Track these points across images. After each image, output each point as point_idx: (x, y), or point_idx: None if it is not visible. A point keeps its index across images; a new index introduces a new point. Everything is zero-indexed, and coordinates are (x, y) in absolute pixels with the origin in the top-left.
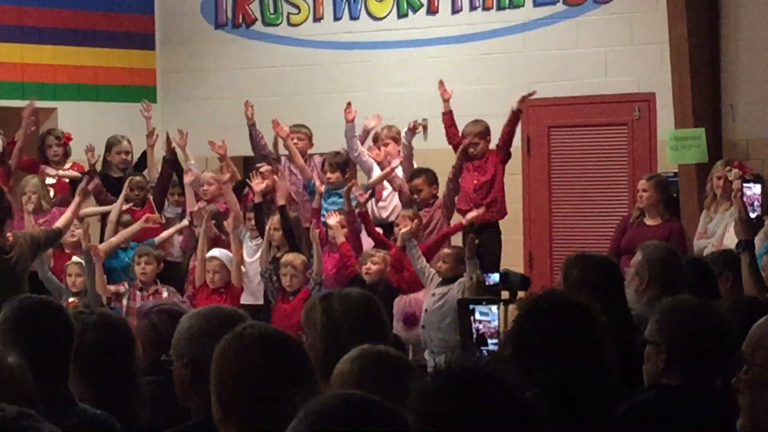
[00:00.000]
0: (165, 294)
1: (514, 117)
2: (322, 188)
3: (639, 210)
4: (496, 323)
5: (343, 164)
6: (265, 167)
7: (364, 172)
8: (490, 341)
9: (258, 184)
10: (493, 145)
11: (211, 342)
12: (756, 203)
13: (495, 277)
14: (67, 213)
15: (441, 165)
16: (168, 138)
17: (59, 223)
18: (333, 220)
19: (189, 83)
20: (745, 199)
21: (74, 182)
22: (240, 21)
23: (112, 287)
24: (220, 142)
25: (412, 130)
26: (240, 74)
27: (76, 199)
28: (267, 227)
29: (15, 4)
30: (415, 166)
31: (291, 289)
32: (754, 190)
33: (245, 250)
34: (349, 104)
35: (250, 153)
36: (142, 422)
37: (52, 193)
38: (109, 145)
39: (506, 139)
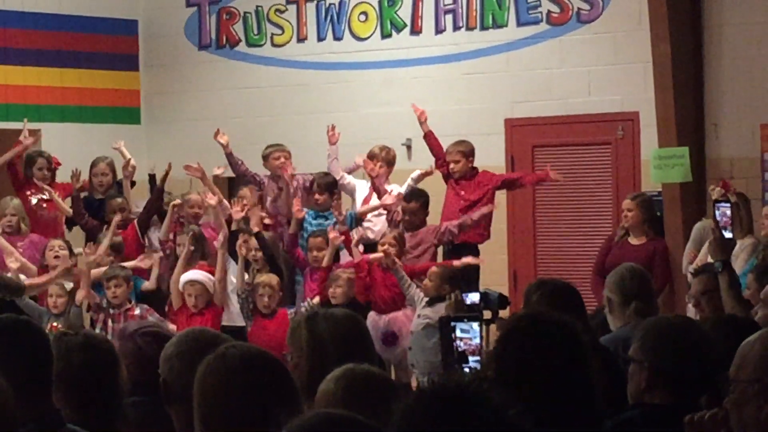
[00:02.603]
0: (138, 311)
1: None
2: (301, 214)
3: (624, 229)
4: (477, 340)
5: (331, 186)
6: (242, 192)
7: (347, 194)
8: (471, 358)
9: (237, 212)
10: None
11: (179, 364)
12: (726, 221)
13: (474, 297)
14: (41, 279)
15: (424, 185)
16: (168, 170)
17: (28, 282)
18: (339, 237)
19: (173, 104)
20: (720, 219)
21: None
22: (224, 42)
23: (96, 297)
24: (196, 164)
25: (425, 174)
26: (224, 95)
27: (57, 271)
28: (238, 248)
29: None
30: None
31: (267, 310)
32: (726, 210)
33: (231, 271)
34: (332, 127)
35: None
36: None
37: (45, 211)
38: (91, 167)
39: (511, 180)
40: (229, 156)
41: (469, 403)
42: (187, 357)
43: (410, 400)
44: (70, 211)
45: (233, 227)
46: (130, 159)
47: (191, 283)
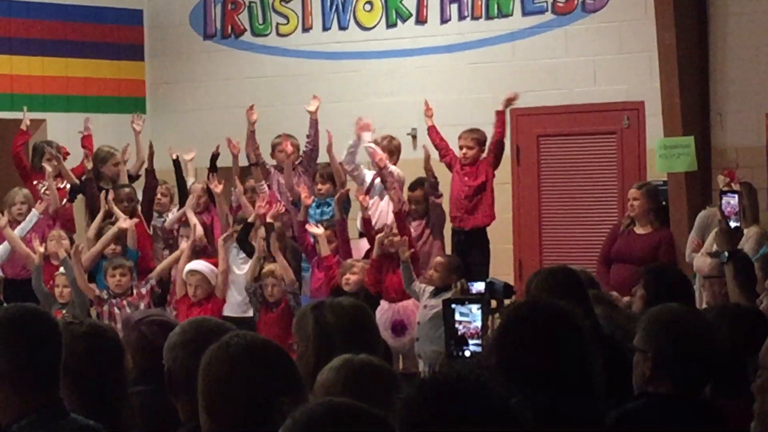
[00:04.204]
0: (135, 293)
1: (500, 119)
2: (309, 201)
3: (629, 218)
4: (477, 323)
5: (334, 175)
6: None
7: (357, 183)
8: (471, 341)
9: (261, 208)
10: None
11: (183, 353)
12: (731, 211)
13: (479, 286)
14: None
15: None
16: (151, 151)
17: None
18: (317, 230)
19: (178, 94)
20: (726, 209)
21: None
22: (229, 32)
23: (96, 290)
24: (236, 142)
25: (364, 128)
26: (229, 85)
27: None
28: (256, 242)
29: (4, 15)
30: (400, 174)
31: (273, 299)
32: (732, 201)
33: (233, 262)
34: (360, 119)
35: (239, 164)
36: None
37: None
38: (104, 157)
39: (495, 143)
40: (251, 134)
41: (469, 393)
42: (191, 346)
43: (411, 389)
44: (76, 180)
45: (250, 220)
46: (128, 145)
47: (192, 272)
